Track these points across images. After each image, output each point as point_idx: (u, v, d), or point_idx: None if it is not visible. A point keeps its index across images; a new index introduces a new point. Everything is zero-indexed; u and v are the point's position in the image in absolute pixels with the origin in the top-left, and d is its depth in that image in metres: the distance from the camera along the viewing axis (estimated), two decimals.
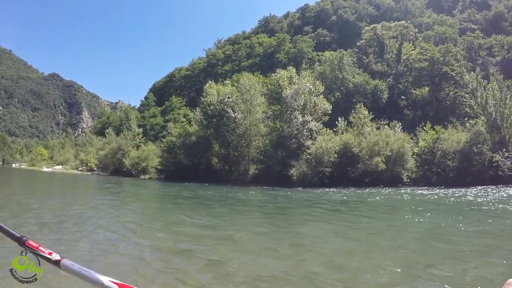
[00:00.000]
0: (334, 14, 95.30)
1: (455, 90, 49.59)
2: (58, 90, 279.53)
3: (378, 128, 35.02)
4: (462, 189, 25.40)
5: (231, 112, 38.12)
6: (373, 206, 19.13)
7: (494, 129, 31.93)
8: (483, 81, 34.65)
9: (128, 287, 1.34)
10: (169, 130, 46.63)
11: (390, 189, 27.25)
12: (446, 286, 6.28)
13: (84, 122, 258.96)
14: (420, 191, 25.35)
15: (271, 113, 38.78)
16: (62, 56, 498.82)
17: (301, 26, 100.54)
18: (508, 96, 31.70)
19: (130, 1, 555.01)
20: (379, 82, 54.37)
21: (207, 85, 42.54)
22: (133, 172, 49.16)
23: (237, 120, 38.28)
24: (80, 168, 68.68)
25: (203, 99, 41.34)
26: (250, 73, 52.26)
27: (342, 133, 35.53)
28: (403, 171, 31.73)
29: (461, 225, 12.47)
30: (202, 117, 41.08)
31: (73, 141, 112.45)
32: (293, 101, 35.29)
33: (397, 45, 65.20)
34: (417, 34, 68.16)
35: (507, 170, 28.74)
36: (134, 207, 18.85)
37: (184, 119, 62.25)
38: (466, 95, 42.49)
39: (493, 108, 31.96)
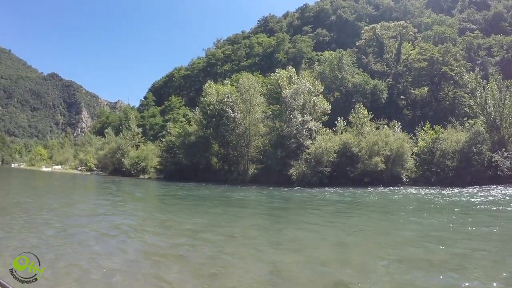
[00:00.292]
0: (333, 14, 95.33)
1: (454, 90, 49.61)
2: (57, 90, 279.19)
3: (377, 128, 35.02)
4: (461, 189, 25.43)
5: (231, 112, 38.09)
6: (371, 206, 19.16)
7: (493, 129, 31.94)
8: (483, 81, 34.66)
9: None
10: (168, 130, 46.60)
11: (389, 189, 27.24)
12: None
13: (83, 122, 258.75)
14: (419, 191, 25.36)
15: (270, 113, 38.76)
16: (61, 56, 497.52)
17: (300, 26, 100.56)
18: (507, 96, 31.71)
19: (130, 1, 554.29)
20: (379, 82, 54.37)
21: (207, 85, 42.50)
22: (133, 172, 49.13)
23: (236, 120, 38.26)
24: (79, 168, 68.65)
25: (202, 99, 41.30)
26: (250, 73, 52.26)
27: (342, 133, 35.53)
28: (402, 171, 31.75)
29: (458, 225, 12.48)
30: (201, 117, 41.04)
31: (72, 141, 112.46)
32: (293, 101, 35.27)
33: (396, 45, 65.21)
34: (416, 34, 68.18)
35: (506, 170, 28.76)
36: (132, 207, 18.81)
37: (184, 119, 62.09)
38: (465, 95, 42.49)
39: (492, 108, 31.96)
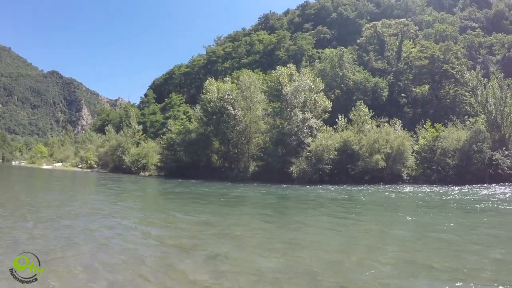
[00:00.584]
0: (334, 12, 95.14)
1: (455, 88, 49.51)
2: (58, 88, 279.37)
3: (378, 126, 35.01)
4: (461, 187, 25.44)
5: (231, 109, 38.06)
6: (370, 204, 19.15)
7: (494, 128, 31.91)
8: (484, 80, 34.60)
9: None
10: (169, 127, 46.61)
11: (389, 187, 27.24)
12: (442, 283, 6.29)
13: (83, 119, 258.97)
14: (419, 189, 25.36)
15: (271, 110, 38.72)
16: (62, 54, 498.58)
17: (301, 23, 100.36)
18: (508, 95, 31.65)
19: None
20: (379, 79, 54.25)
21: (207, 82, 42.45)
22: (133, 169, 49.19)
23: (237, 117, 38.23)
24: (80, 165, 68.72)
25: (203, 96, 41.26)
26: (250, 70, 52.20)
27: (342, 130, 35.49)
28: (403, 169, 31.77)
29: (455, 224, 12.48)
30: (202, 114, 41.01)
31: (73, 138, 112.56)
32: (293, 98, 35.24)
33: (397, 43, 65.04)
34: (417, 32, 67.99)
35: (506, 168, 28.75)
36: (132, 204, 18.83)
37: (184, 116, 62.21)
38: (466, 93, 42.40)
39: (493, 107, 31.92)
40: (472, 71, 38.04)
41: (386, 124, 35.48)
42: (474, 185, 26.19)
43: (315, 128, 35.17)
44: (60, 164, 78.93)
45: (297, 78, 36.80)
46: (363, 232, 11.51)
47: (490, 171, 29.10)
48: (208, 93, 40.13)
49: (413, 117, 48.83)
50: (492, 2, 79.80)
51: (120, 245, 9.06)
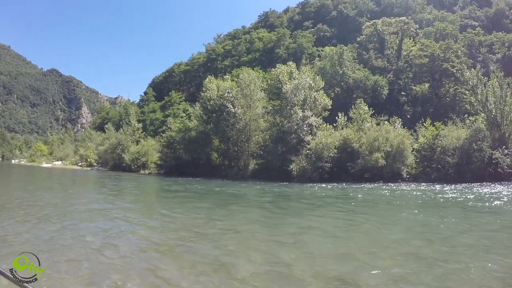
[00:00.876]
0: (334, 10, 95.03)
1: (455, 87, 49.51)
2: (57, 86, 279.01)
3: (378, 124, 34.98)
4: (461, 186, 25.45)
5: (231, 107, 38.01)
6: (369, 202, 19.16)
7: (494, 126, 31.91)
8: (484, 78, 34.58)
9: None
10: (168, 125, 46.54)
11: (389, 185, 27.23)
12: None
13: (83, 117, 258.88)
14: (418, 187, 25.37)
15: (271, 108, 38.68)
16: (61, 52, 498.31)
17: (301, 21, 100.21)
18: (508, 94, 31.64)
19: None
20: (379, 78, 54.23)
21: (207, 80, 42.36)
22: (133, 167, 49.14)
23: (237, 115, 38.18)
24: (80, 164, 68.70)
25: (202, 94, 41.18)
26: (250, 68, 52.06)
27: (342, 128, 35.48)
28: (402, 167, 31.75)
29: (453, 223, 12.47)
30: (201, 112, 40.94)
31: (73, 136, 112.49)
32: (293, 96, 35.20)
33: (397, 41, 65.00)
34: (417, 30, 67.96)
35: (506, 167, 28.77)
36: (129, 203, 18.80)
37: (184, 114, 62.20)
38: (466, 92, 42.42)
39: (493, 105, 31.92)
40: (472, 69, 38.02)
41: (386, 122, 35.43)
42: (473, 184, 26.19)
43: (315, 126, 35.15)
44: (59, 162, 78.88)
45: (297, 76, 36.74)
46: (361, 230, 11.48)
47: (490, 169, 29.11)
48: (208, 91, 40.06)
49: (413, 115, 48.85)
50: (492, 1, 79.70)
51: (118, 244, 9.03)
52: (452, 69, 49.73)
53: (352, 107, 38.33)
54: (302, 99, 35.77)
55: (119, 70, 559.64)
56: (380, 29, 66.65)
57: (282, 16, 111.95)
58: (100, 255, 7.79)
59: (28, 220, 11.56)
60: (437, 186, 25.75)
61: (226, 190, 24.42)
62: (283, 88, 35.59)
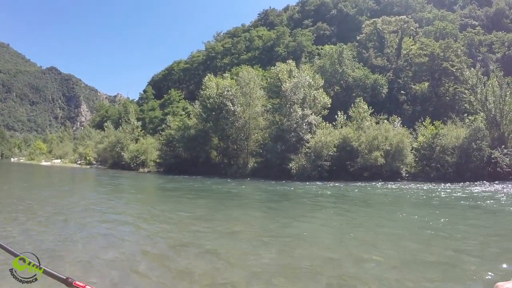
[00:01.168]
0: (334, 8, 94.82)
1: (455, 86, 49.50)
2: (56, 84, 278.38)
3: (377, 123, 34.95)
4: (459, 185, 25.47)
5: (230, 105, 37.97)
6: (367, 201, 19.16)
7: (493, 126, 31.92)
8: (483, 78, 34.57)
9: None
10: (168, 123, 46.49)
11: (388, 184, 27.22)
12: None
13: (82, 115, 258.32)
14: (417, 186, 25.37)
15: (270, 106, 38.65)
16: (60, 50, 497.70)
17: (300, 20, 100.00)
18: (508, 93, 31.66)
19: None
20: (379, 76, 54.21)
21: (206, 78, 42.28)
22: (132, 166, 49.07)
23: (236, 113, 38.15)
24: (79, 162, 68.57)
25: (202, 92, 41.11)
26: (250, 66, 52.03)
27: (342, 127, 35.49)
28: (402, 166, 31.76)
29: (450, 222, 12.46)
30: (201, 110, 40.88)
31: (72, 134, 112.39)
32: (293, 94, 35.17)
33: (397, 40, 64.92)
34: (417, 29, 67.86)
35: (505, 166, 28.80)
36: (128, 200, 18.78)
37: (183, 112, 62.05)
38: (466, 91, 42.42)
39: (492, 105, 31.92)
40: (472, 69, 38.01)
41: (385, 121, 35.43)
42: (472, 183, 26.20)
43: (315, 124, 35.12)
44: (59, 160, 78.72)
45: (296, 75, 36.69)
46: (359, 229, 11.47)
47: (489, 169, 29.13)
48: (207, 89, 39.99)
49: (413, 114, 48.85)
50: (492, 0, 79.58)
51: (116, 242, 9.01)
52: (451, 68, 49.72)
53: (352, 105, 38.32)
54: (301, 97, 35.74)
55: (118, 68, 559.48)
56: (380, 28, 66.58)
57: (282, 14, 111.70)
58: (99, 255, 7.77)
59: (26, 220, 11.52)
60: (436, 185, 25.76)
61: (222, 189, 24.39)
62: (282, 87, 35.55)
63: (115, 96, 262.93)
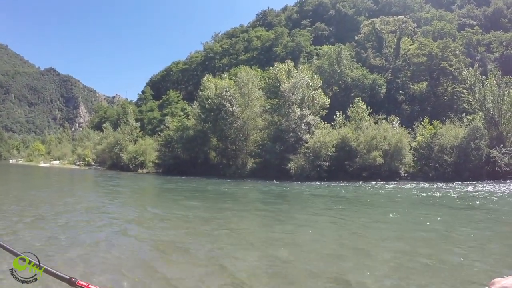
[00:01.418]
0: (332, 8, 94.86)
1: (453, 86, 49.54)
2: (55, 85, 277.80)
3: (376, 123, 34.99)
4: (458, 184, 25.48)
5: (229, 105, 37.96)
6: (366, 200, 19.15)
7: (492, 125, 31.98)
8: (481, 77, 34.63)
9: None
10: (166, 124, 46.43)
11: (387, 184, 27.22)
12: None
13: (81, 116, 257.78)
14: (416, 186, 25.37)
15: (269, 107, 38.66)
16: (59, 51, 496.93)
17: (299, 20, 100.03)
18: (506, 92, 31.74)
19: None
20: (377, 76, 54.24)
21: (205, 78, 42.27)
22: (131, 167, 48.97)
23: (235, 114, 38.14)
24: (78, 163, 68.42)
25: (200, 92, 41.09)
26: (248, 66, 51.99)
27: (340, 127, 35.50)
28: (400, 166, 31.78)
29: (447, 221, 12.45)
30: (199, 111, 40.87)
31: (70, 136, 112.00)
32: (291, 95, 35.18)
33: (395, 40, 64.98)
34: (415, 29, 67.95)
35: (504, 165, 28.85)
36: (126, 201, 18.74)
37: (182, 113, 62.02)
38: (464, 91, 42.50)
39: (491, 104, 31.98)
40: (470, 68, 38.07)
41: (384, 121, 35.47)
42: (471, 182, 26.22)
43: (313, 124, 35.14)
44: (57, 162, 78.51)
45: (295, 75, 36.70)
46: (354, 229, 11.44)
47: (488, 168, 29.19)
48: (206, 90, 39.96)
49: (411, 114, 48.85)
50: (490, 0, 79.71)
51: (115, 243, 8.97)
52: (450, 68, 49.76)
53: (350, 105, 38.34)
54: (300, 97, 35.75)
55: (117, 69, 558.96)
56: (378, 28, 66.64)
57: (280, 14, 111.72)
58: (98, 255, 7.73)
59: (24, 219, 11.46)
60: (434, 184, 25.76)
61: (220, 190, 24.34)
62: (281, 87, 35.57)
63: (113, 97, 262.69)
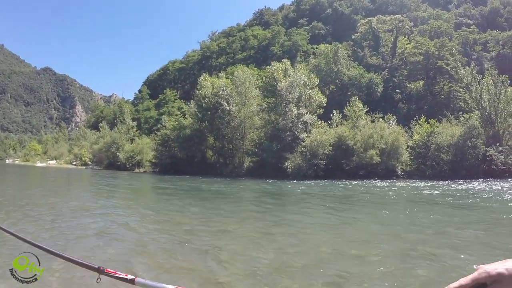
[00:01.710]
0: (329, 7, 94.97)
1: (449, 84, 49.70)
2: (51, 84, 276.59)
3: (372, 121, 35.03)
4: (455, 182, 25.52)
5: (226, 104, 37.87)
6: (363, 199, 19.12)
7: (488, 124, 32.10)
8: (478, 76, 34.73)
9: None
10: (163, 123, 46.26)
11: (383, 182, 27.22)
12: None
13: (77, 116, 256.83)
14: (413, 184, 25.39)
15: (265, 105, 38.61)
16: (55, 50, 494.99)
17: (296, 19, 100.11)
18: (502, 91, 31.84)
19: None
20: (374, 75, 54.32)
21: (202, 77, 42.15)
22: (128, 166, 48.80)
23: (231, 112, 38.06)
24: (74, 163, 68.11)
25: (197, 92, 40.99)
26: (245, 65, 51.94)
27: (337, 126, 35.50)
28: (397, 164, 31.83)
29: (443, 220, 12.43)
30: (196, 110, 40.76)
31: (67, 135, 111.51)
32: (288, 93, 35.14)
33: (392, 39, 65.12)
34: (412, 28, 68.07)
35: (500, 164, 28.94)
36: (122, 201, 18.65)
37: (179, 112, 61.91)
38: (461, 90, 42.61)
39: (487, 103, 32.10)
40: (467, 67, 38.21)
41: (380, 119, 35.50)
42: (467, 180, 26.27)
43: (310, 123, 35.12)
44: (54, 161, 78.14)
45: (291, 74, 36.66)
46: (349, 227, 11.42)
47: (484, 166, 29.27)
48: (203, 89, 39.87)
49: (408, 112, 48.96)
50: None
51: (114, 242, 8.89)
52: (446, 67, 49.92)
53: (347, 104, 38.38)
54: (297, 96, 35.72)
55: (113, 68, 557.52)
56: (375, 27, 66.74)
57: (277, 13, 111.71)
58: (97, 254, 7.65)
59: (22, 219, 11.36)
60: (431, 183, 25.79)
61: (216, 188, 24.26)
62: (278, 86, 35.52)
63: (110, 96, 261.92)
